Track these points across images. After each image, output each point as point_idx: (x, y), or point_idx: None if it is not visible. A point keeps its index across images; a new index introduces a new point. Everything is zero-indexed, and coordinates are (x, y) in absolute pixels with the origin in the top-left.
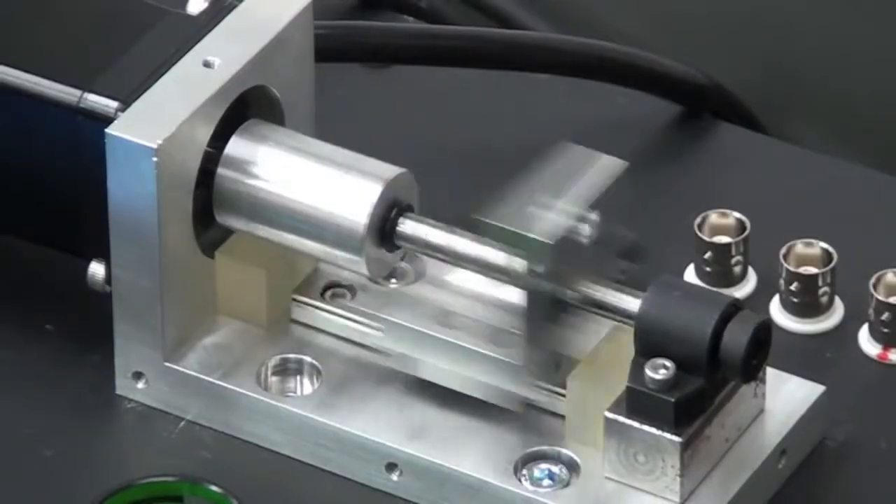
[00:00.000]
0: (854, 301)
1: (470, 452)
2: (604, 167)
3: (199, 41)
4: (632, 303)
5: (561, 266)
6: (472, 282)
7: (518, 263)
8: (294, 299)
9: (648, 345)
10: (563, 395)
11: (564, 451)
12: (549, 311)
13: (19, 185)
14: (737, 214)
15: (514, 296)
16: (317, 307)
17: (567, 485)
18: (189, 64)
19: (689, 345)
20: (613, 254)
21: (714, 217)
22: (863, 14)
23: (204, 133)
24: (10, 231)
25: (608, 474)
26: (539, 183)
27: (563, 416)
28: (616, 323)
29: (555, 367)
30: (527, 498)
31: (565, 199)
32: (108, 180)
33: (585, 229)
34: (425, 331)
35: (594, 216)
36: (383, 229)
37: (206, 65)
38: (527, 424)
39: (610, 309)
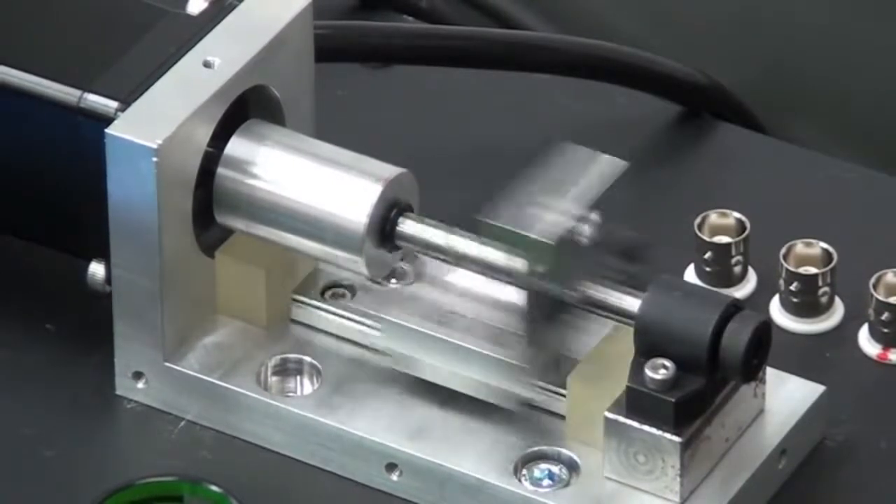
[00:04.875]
0: (854, 301)
1: (470, 452)
2: (604, 167)
3: (199, 41)
4: (632, 303)
5: (561, 266)
6: (473, 282)
7: (518, 263)
8: (294, 299)
9: (648, 345)
10: (563, 395)
11: (564, 451)
12: (549, 311)
13: (19, 186)
14: (737, 214)
15: (515, 296)
16: (317, 307)
17: (567, 485)
18: (189, 64)
19: (689, 345)
20: (615, 254)
21: (714, 217)
22: (863, 14)
23: (204, 133)
24: (10, 231)
25: (608, 474)
26: (539, 183)
27: (563, 416)
28: (616, 323)
29: (555, 368)
30: (527, 498)
31: (565, 199)
32: (108, 180)
33: (586, 229)
34: (425, 331)
35: (594, 216)
36: (383, 229)
37: (206, 65)
38: (527, 424)
39: (610, 309)
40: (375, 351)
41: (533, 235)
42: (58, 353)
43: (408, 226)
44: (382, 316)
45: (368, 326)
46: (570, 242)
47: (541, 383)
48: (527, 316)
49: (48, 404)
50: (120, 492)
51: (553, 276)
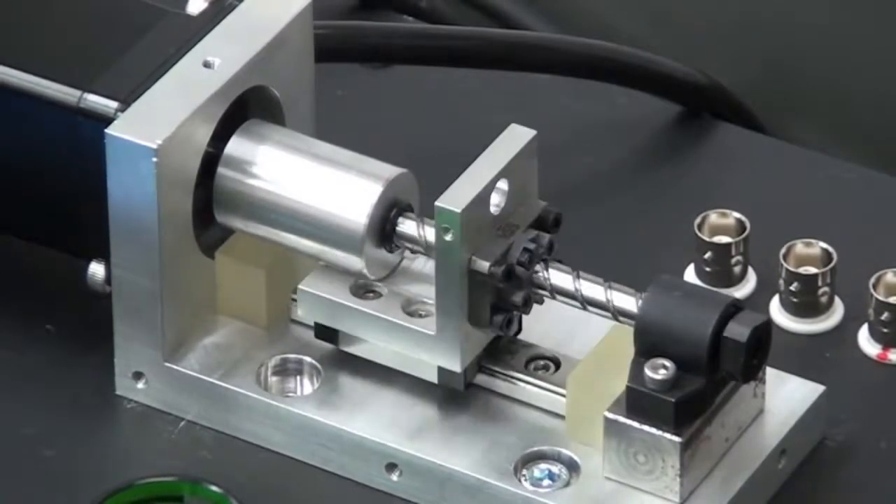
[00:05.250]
0: (854, 301)
1: (470, 452)
2: (513, 136)
3: (199, 41)
4: (632, 303)
5: (469, 234)
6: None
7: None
8: (294, 299)
9: (648, 345)
10: (563, 395)
11: (564, 451)
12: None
13: (19, 186)
14: (737, 214)
15: (428, 266)
16: None
17: (567, 485)
18: (189, 64)
19: (689, 345)
20: (526, 223)
21: (714, 217)
22: (863, 14)
23: (204, 133)
24: (10, 231)
25: (608, 474)
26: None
27: (563, 416)
28: (616, 323)
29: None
30: (527, 498)
31: (474, 167)
32: (107, 180)
33: (495, 198)
34: (341, 301)
35: (504, 185)
36: (383, 229)
37: (206, 65)
38: (527, 424)
39: (610, 309)
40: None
41: (441, 204)
42: (58, 353)
43: (408, 226)
44: (299, 287)
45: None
46: (478, 210)
47: (541, 382)
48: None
49: (48, 404)
50: (120, 492)
51: (463, 243)
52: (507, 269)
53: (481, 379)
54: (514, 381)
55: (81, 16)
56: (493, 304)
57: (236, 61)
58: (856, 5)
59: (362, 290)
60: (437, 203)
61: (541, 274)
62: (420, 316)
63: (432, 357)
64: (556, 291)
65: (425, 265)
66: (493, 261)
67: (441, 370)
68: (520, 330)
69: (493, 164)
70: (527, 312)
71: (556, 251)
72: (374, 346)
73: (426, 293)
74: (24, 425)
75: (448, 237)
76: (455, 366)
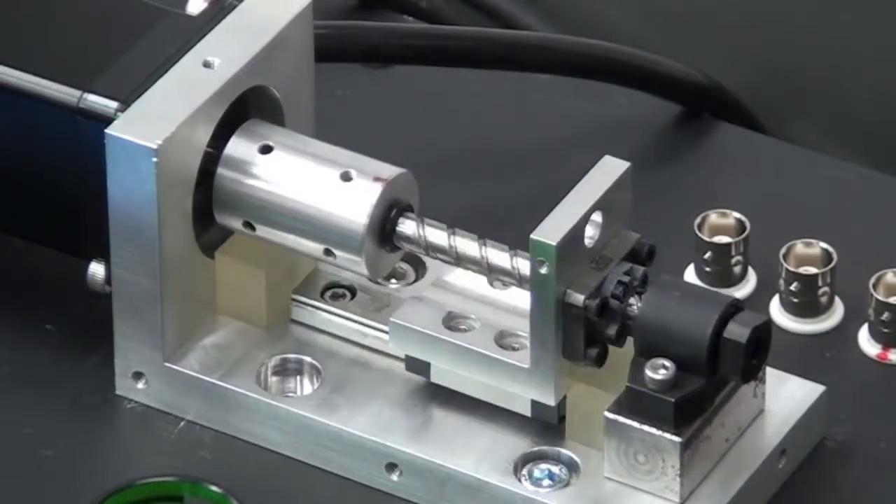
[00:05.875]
0: (854, 301)
1: (470, 452)
2: (606, 168)
3: (199, 41)
4: (631, 303)
5: (564, 267)
6: (475, 282)
7: (522, 265)
8: (294, 299)
9: (648, 345)
10: (563, 395)
11: (564, 451)
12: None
13: (19, 186)
14: (737, 214)
15: (520, 298)
16: (317, 307)
17: (567, 485)
18: (189, 64)
19: (689, 345)
20: (619, 255)
21: (714, 217)
22: (862, 14)
23: (204, 133)
24: (10, 231)
25: (608, 474)
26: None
27: (563, 416)
28: None
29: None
30: (527, 498)
31: (568, 199)
32: (108, 180)
33: (589, 230)
34: (433, 333)
35: (597, 217)
36: (383, 229)
37: (206, 65)
38: (527, 424)
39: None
40: (376, 351)
41: (536, 237)
42: (58, 353)
43: (408, 226)
44: (388, 318)
45: (369, 327)
46: (573, 243)
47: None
48: (530, 318)
49: (48, 404)
50: (120, 492)
51: (558, 276)
52: (602, 302)
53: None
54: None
55: (81, 16)
56: (586, 336)
57: (236, 61)
58: (856, 5)
59: (455, 321)
60: (532, 236)
61: (635, 307)
62: (513, 349)
63: (526, 390)
64: None
65: (517, 297)
66: (587, 294)
67: (535, 403)
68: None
69: (588, 196)
70: (621, 346)
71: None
72: (466, 379)
73: (519, 326)
74: (24, 425)
75: (543, 270)
76: (549, 399)
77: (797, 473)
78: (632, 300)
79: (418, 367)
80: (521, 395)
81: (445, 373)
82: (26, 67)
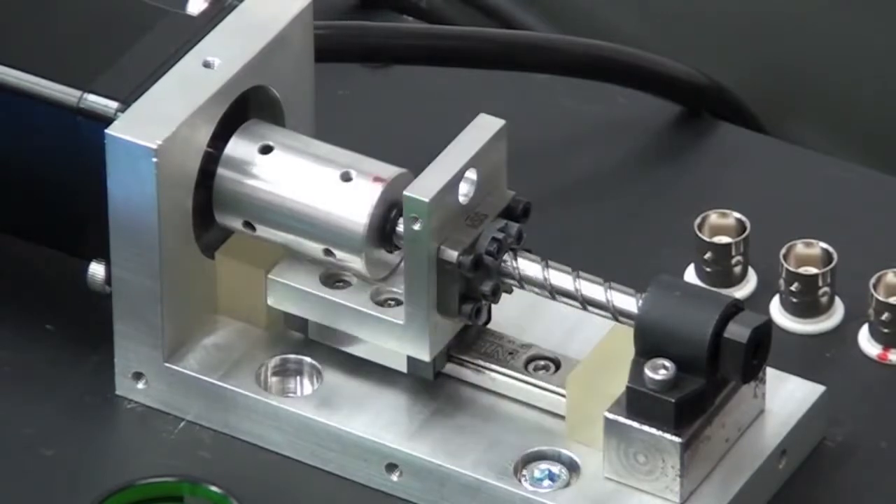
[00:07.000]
0: (854, 301)
1: (470, 452)
2: (481, 125)
3: (199, 41)
4: (632, 303)
5: (438, 223)
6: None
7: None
8: None
9: (648, 345)
10: (563, 396)
11: (564, 451)
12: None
13: (19, 186)
14: (737, 214)
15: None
16: None
17: (567, 485)
18: (189, 64)
19: (689, 345)
20: (495, 212)
21: (714, 217)
22: (863, 14)
23: (204, 133)
24: (10, 231)
25: (608, 474)
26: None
27: (563, 416)
28: (616, 323)
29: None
30: (526, 498)
31: (443, 157)
32: (108, 180)
33: (463, 188)
34: (309, 290)
35: (472, 175)
36: (383, 229)
37: (206, 65)
38: (527, 424)
39: (610, 309)
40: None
41: (408, 193)
42: (58, 353)
43: None
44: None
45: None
46: (447, 200)
47: (542, 383)
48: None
49: (48, 404)
50: (120, 492)
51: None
52: (476, 258)
53: (479, 377)
54: (511, 378)
55: (81, 16)
56: (461, 293)
57: (236, 61)
58: (856, 5)
59: (332, 279)
60: (405, 192)
61: (509, 263)
62: (389, 305)
63: (401, 346)
64: (524, 281)
65: (397, 256)
66: (461, 250)
67: (410, 360)
68: (489, 320)
69: (462, 153)
70: (495, 302)
71: (524, 240)
72: (343, 336)
73: (396, 283)
74: (24, 425)
75: (416, 226)
76: (424, 355)
77: (797, 474)
78: (506, 257)
79: (297, 324)
80: (397, 352)
81: (323, 329)
82: (26, 67)
